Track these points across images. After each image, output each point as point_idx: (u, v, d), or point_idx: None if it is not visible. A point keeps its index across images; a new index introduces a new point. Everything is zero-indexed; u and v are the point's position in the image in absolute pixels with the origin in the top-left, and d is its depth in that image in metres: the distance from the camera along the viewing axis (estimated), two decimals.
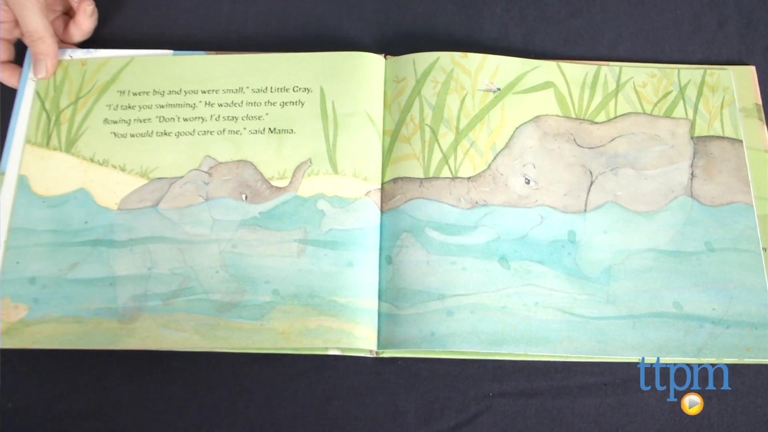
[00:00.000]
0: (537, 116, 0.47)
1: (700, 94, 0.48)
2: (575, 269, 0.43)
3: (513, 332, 0.41)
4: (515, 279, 0.42)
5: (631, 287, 0.43)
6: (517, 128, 0.47)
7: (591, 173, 0.45)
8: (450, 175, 0.45)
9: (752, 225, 0.44)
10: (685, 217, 0.44)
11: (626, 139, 0.47)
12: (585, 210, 0.45)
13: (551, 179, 0.45)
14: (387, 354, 0.42)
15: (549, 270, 0.43)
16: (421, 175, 0.45)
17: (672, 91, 0.48)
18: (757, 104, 0.48)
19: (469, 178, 0.45)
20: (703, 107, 0.48)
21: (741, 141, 0.47)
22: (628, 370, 0.42)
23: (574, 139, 0.46)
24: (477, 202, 0.45)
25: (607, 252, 0.44)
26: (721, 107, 0.48)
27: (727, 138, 0.47)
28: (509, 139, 0.46)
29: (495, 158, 0.46)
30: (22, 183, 0.46)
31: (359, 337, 0.41)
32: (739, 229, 0.44)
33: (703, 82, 0.48)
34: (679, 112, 0.48)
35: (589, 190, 0.45)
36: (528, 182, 0.45)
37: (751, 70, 0.49)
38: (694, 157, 0.46)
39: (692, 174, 0.46)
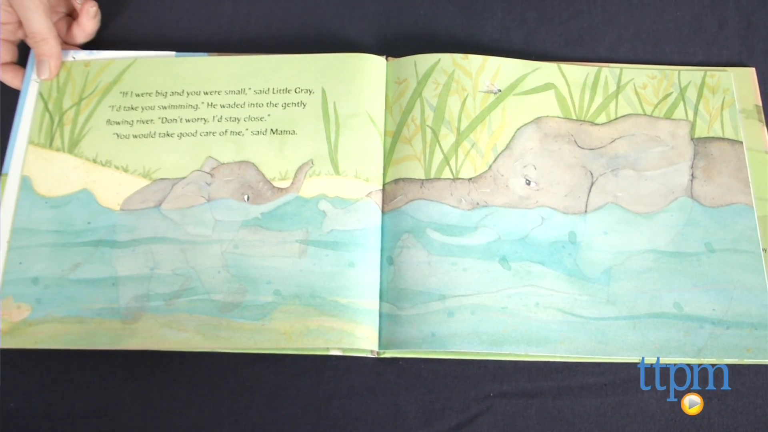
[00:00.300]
0: (538, 117, 0.47)
1: (700, 95, 0.48)
2: (576, 270, 0.43)
3: (513, 333, 0.41)
4: (516, 280, 0.43)
5: (632, 288, 0.43)
6: (517, 129, 0.47)
7: (591, 174, 0.46)
8: (451, 176, 0.45)
9: (752, 226, 0.44)
10: (685, 218, 0.45)
11: (627, 140, 0.47)
12: (585, 211, 0.45)
13: (552, 180, 0.45)
14: (388, 354, 0.42)
15: (549, 271, 0.43)
16: (422, 176, 0.45)
17: (672, 92, 0.48)
18: (757, 105, 0.48)
19: (470, 179, 0.45)
20: (703, 108, 0.48)
21: (741, 142, 0.47)
22: (629, 370, 0.42)
23: (575, 141, 0.46)
24: (478, 203, 0.45)
25: (607, 253, 0.44)
26: (722, 108, 0.48)
27: (727, 139, 0.47)
28: (510, 141, 0.46)
29: (496, 159, 0.46)
30: (25, 184, 0.46)
31: (360, 337, 0.41)
32: (739, 230, 0.44)
33: (703, 84, 0.49)
34: (679, 113, 0.48)
35: (589, 191, 0.45)
36: (529, 183, 0.45)
37: (751, 71, 0.50)
38: (694, 158, 0.46)
39: (692, 175, 0.46)
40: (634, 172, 0.46)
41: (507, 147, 0.46)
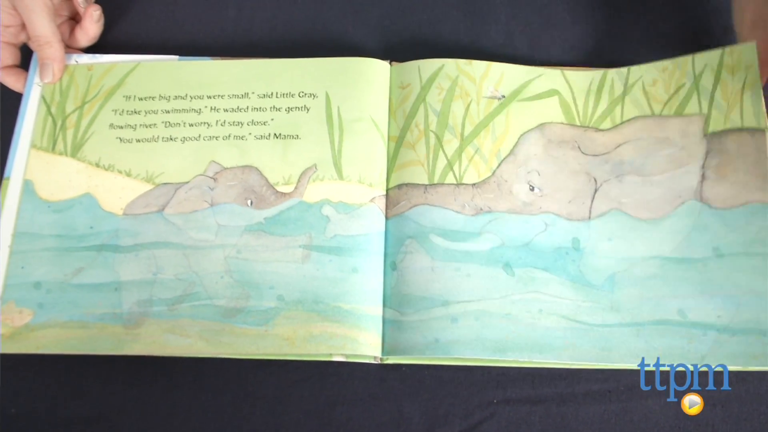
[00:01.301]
0: (541, 124, 0.47)
1: (717, 80, 0.45)
2: (579, 276, 0.43)
3: (517, 339, 0.41)
4: (519, 286, 0.42)
5: (636, 295, 0.42)
6: (521, 135, 0.47)
7: (595, 181, 0.45)
8: (454, 182, 0.45)
9: None
10: (692, 222, 0.43)
11: (632, 145, 0.46)
12: (589, 217, 0.45)
13: (555, 186, 0.45)
14: (391, 360, 0.42)
15: (553, 277, 0.43)
16: (426, 182, 0.45)
17: (685, 83, 0.46)
18: None
19: (474, 184, 0.45)
20: (720, 96, 0.45)
21: (763, 131, 0.43)
22: (632, 377, 0.42)
23: (579, 147, 0.46)
24: (481, 209, 0.45)
25: (611, 259, 0.43)
26: (742, 91, 0.44)
27: (747, 129, 0.43)
28: (514, 146, 0.46)
29: (499, 165, 0.46)
30: (28, 187, 0.46)
31: (363, 343, 0.41)
32: (753, 232, 0.42)
33: (721, 65, 0.45)
34: (692, 107, 0.45)
35: (593, 198, 0.45)
36: (532, 189, 0.45)
37: None
38: (706, 157, 0.44)
39: (703, 176, 0.44)
40: (639, 177, 0.45)
41: (511, 153, 0.46)
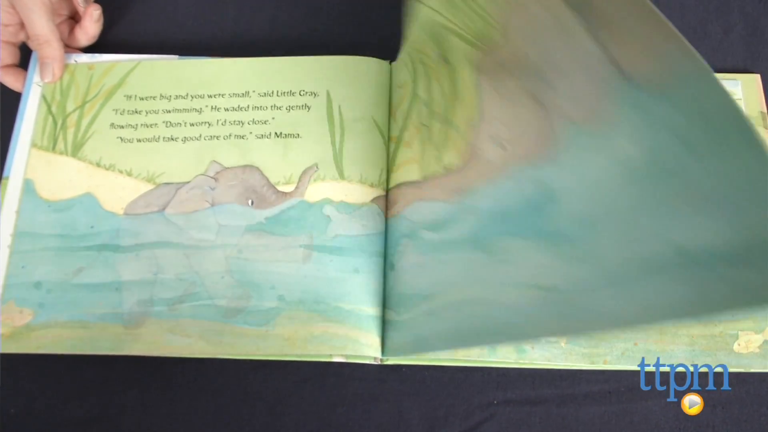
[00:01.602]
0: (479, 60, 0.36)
1: None
2: (555, 232, 0.30)
3: (499, 322, 0.34)
4: (496, 265, 0.35)
5: (620, 235, 0.27)
6: (478, 84, 0.37)
7: (535, 98, 0.31)
8: (443, 171, 0.43)
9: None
10: (637, 113, 0.26)
11: (518, 32, 0.31)
12: (556, 150, 0.30)
13: (518, 132, 0.34)
14: (391, 361, 0.42)
15: (528, 243, 0.32)
16: (419, 178, 0.44)
17: None
18: (762, 112, 0.48)
19: (459, 168, 0.42)
20: None
21: None
22: (632, 377, 0.42)
23: (504, 65, 0.33)
24: (462, 190, 0.39)
25: (584, 199, 0.29)
26: None
27: None
28: (479, 103, 0.37)
29: (474, 134, 0.38)
30: (28, 187, 0.45)
31: (364, 344, 0.41)
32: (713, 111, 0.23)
33: None
34: None
35: (551, 125, 0.30)
36: (499, 146, 0.35)
37: (757, 78, 0.49)
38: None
39: (598, 40, 0.26)
40: (555, 74, 0.29)
41: (479, 115, 0.37)
